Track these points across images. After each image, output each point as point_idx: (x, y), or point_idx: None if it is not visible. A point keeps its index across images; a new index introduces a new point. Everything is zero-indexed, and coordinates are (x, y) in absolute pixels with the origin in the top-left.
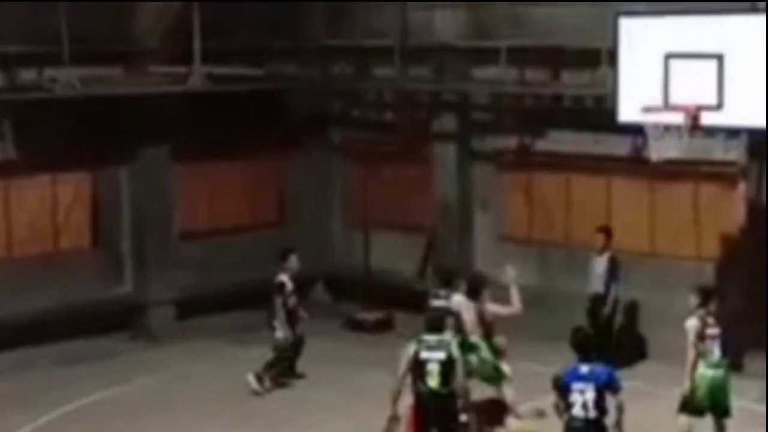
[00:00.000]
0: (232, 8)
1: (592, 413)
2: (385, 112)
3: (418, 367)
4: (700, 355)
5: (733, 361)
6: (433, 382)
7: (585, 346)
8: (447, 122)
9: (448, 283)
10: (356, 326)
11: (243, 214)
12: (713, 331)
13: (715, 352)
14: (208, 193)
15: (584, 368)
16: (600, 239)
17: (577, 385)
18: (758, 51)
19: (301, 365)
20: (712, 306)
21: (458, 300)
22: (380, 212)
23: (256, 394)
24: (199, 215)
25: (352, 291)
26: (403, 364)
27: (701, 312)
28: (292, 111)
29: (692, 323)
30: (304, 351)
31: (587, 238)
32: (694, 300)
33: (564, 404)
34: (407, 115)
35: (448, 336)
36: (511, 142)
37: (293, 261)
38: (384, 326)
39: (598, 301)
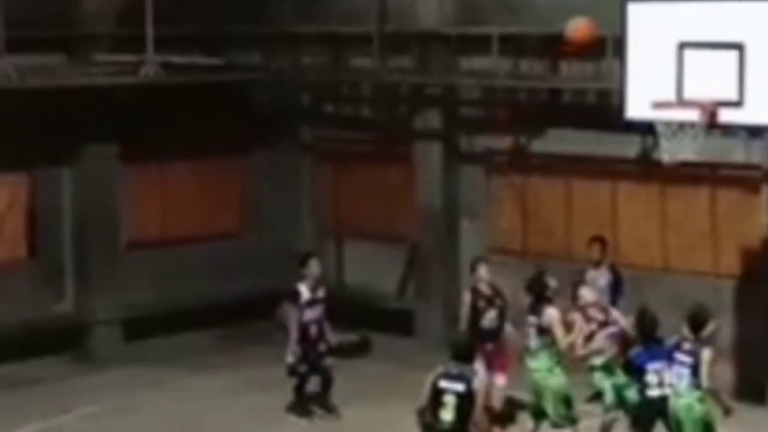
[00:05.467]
0: None
1: (668, 389)
2: (362, 108)
3: (434, 398)
4: None
5: (754, 392)
6: (447, 415)
7: (652, 329)
8: (431, 119)
9: (541, 296)
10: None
11: (200, 222)
12: (678, 356)
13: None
14: (160, 198)
15: (653, 349)
16: (596, 251)
17: (652, 365)
18: None
19: (261, 396)
20: (701, 334)
21: (550, 313)
22: (355, 220)
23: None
24: (150, 223)
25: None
26: (425, 393)
27: (686, 334)
28: (257, 105)
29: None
30: (264, 380)
31: (590, 251)
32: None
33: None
34: (386, 110)
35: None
36: (503, 141)
37: (314, 266)
38: (358, 350)
39: None
